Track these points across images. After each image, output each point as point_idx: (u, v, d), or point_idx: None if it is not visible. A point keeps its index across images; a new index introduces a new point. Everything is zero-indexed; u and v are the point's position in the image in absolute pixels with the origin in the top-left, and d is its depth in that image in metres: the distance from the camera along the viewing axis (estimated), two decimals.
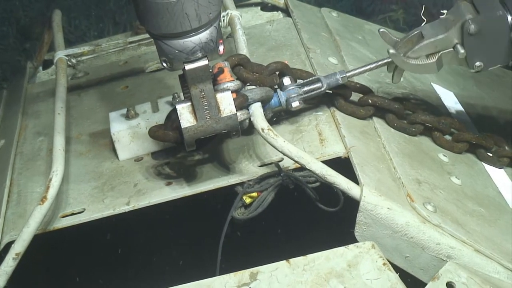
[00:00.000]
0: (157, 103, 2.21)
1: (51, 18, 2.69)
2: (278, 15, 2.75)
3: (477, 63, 2.01)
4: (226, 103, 1.84)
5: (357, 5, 5.10)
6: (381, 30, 2.08)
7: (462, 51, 1.98)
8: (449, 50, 2.01)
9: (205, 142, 1.95)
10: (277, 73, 2.06)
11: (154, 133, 1.93)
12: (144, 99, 2.29)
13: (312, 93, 2.06)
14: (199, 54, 1.75)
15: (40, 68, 2.78)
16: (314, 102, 2.16)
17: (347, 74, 2.06)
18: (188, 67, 1.76)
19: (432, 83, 2.54)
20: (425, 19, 2.04)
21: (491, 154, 2.20)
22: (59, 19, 2.69)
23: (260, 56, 2.44)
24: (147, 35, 2.65)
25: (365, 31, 2.79)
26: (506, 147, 2.18)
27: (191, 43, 1.73)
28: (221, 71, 1.91)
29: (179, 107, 1.83)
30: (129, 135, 2.13)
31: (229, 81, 1.91)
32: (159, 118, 2.13)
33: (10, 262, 1.84)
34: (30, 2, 5.32)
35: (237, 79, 1.95)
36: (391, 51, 2.03)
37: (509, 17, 1.94)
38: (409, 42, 2.04)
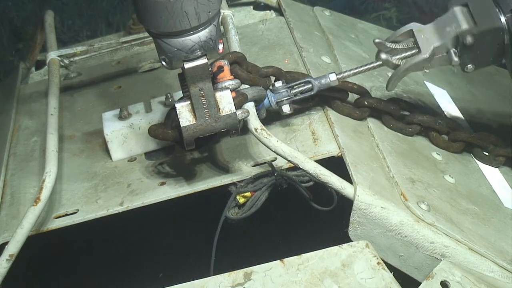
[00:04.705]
0: (150, 103, 2.21)
1: (43, 19, 2.68)
2: (271, 14, 2.75)
3: (469, 66, 2.01)
4: (225, 101, 1.84)
5: (350, 3, 5.10)
6: (377, 41, 2.06)
7: (456, 59, 1.99)
8: (442, 54, 2.01)
9: (204, 141, 1.94)
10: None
11: (154, 131, 1.92)
12: (137, 99, 2.28)
13: (303, 95, 2.06)
14: (199, 53, 1.75)
15: (33, 68, 2.78)
16: (309, 103, 2.15)
17: (338, 76, 2.05)
18: (187, 65, 1.76)
19: (425, 82, 2.54)
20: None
21: (487, 153, 2.20)
22: (52, 20, 2.68)
23: (252, 56, 2.43)
24: (140, 35, 2.65)
25: (358, 30, 2.79)
26: (502, 146, 2.18)
27: (190, 41, 1.72)
28: (220, 69, 1.91)
29: (178, 105, 1.83)
30: (122, 136, 2.13)
31: (228, 80, 1.91)
32: (152, 118, 2.13)
33: (3, 264, 1.84)
34: (23, 3, 5.30)
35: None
36: (383, 56, 2.02)
37: (502, 18, 1.94)
38: (403, 42, 2.03)
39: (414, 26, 2.02)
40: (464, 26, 1.96)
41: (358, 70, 2.06)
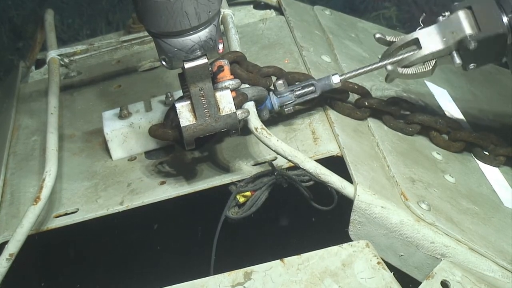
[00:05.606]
0: (150, 102, 2.21)
1: (43, 18, 2.68)
2: (271, 13, 2.75)
3: (471, 66, 2.01)
4: (225, 101, 1.83)
5: (350, 2, 5.10)
6: (377, 36, 2.07)
7: (458, 61, 1.98)
8: (445, 56, 2.00)
9: (204, 140, 1.94)
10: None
11: (154, 131, 1.92)
12: (137, 98, 2.29)
13: (305, 97, 2.06)
14: (199, 53, 1.75)
15: (33, 67, 2.77)
16: (309, 103, 2.15)
17: (341, 78, 2.05)
18: (187, 65, 1.76)
19: (425, 81, 2.54)
20: (422, 25, 2.02)
21: (487, 153, 2.20)
22: (52, 19, 2.68)
23: (253, 55, 2.43)
24: (140, 34, 2.65)
25: (358, 29, 2.79)
26: (502, 146, 2.18)
27: (190, 41, 1.72)
28: (220, 69, 1.91)
29: (178, 105, 1.83)
30: (123, 135, 2.13)
31: (228, 79, 1.90)
32: (152, 117, 2.13)
33: (3, 263, 1.84)
34: (23, 2, 5.30)
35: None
36: (389, 67, 2.02)
37: (504, 18, 1.93)
38: (405, 46, 2.03)
39: (419, 33, 2.02)
40: (468, 31, 1.95)
41: (360, 71, 2.05)
